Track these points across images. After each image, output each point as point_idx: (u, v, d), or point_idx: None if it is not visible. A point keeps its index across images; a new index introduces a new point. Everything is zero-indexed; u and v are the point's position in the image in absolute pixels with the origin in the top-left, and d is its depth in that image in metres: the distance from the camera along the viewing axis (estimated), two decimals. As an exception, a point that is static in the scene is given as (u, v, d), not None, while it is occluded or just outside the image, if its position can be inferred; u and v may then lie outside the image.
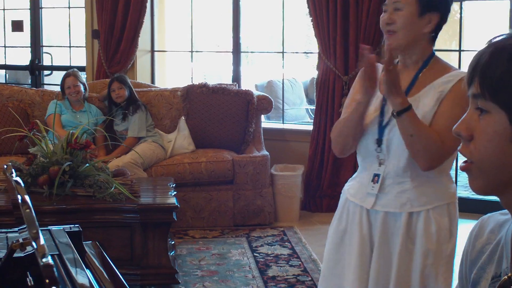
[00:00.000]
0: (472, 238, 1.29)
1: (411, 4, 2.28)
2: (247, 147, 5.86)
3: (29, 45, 7.91)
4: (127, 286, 1.80)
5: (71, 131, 4.34)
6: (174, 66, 7.74)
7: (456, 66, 5.89)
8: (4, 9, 8.26)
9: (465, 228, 2.16)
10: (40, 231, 1.33)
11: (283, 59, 6.94)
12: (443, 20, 2.31)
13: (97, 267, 1.82)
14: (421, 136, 2.21)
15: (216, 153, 5.67)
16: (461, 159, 1.16)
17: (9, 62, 8.51)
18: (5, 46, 8.39)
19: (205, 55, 10.29)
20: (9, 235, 2.04)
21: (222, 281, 4.36)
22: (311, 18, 5.94)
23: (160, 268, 4.01)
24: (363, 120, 2.35)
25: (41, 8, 7.79)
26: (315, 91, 6.15)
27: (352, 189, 2.46)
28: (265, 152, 5.76)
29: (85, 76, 7.04)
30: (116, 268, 1.92)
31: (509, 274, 1.10)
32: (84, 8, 7.03)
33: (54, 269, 1.17)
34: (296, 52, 10.19)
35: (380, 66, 2.32)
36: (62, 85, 5.88)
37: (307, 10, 5.98)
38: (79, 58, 7.55)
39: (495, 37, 1.13)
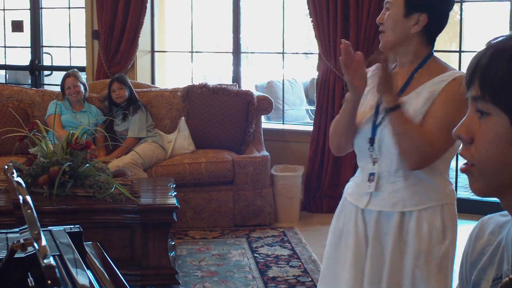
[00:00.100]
0: (472, 239, 1.29)
1: (399, 4, 2.29)
2: (247, 148, 5.86)
3: (29, 45, 7.91)
4: (127, 286, 1.80)
5: (71, 132, 4.34)
6: (174, 67, 7.74)
7: (456, 67, 5.90)
8: (4, 9, 8.26)
9: (465, 229, 2.16)
10: (42, 232, 1.33)
11: (283, 59, 6.94)
12: (434, 20, 2.28)
13: (98, 268, 1.82)
14: (407, 135, 2.21)
15: (216, 154, 5.67)
16: (461, 160, 1.16)
17: (9, 62, 8.51)
18: (5, 46, 8.39)
19: (205, 55, 10.29)
20: (9, 235, 2.04)
21: (222, 282, 4.36)
22: (311, 19, 5.95)
23: (160, 268, 4.01)
24: (353, 119, 2.36)
25: (41, 8, 7.79)
26: (315, 92, 6.15)
27: (350, 188, 2.48)
28: (265, 153, 5.76)
29: (85, 76, 7.04)
30: (116, 268, 1.92)
31: (510, 276, 1.10)
32: (84, 9, 7.03)
33: (56, 270, 1.17)
34: (296, 53, 10.19)
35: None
36: (62, 85, 5.88)
37: (308, 11, 5.98)
38: (79, 58, 7.56)
39: (494, 39, 1.12)
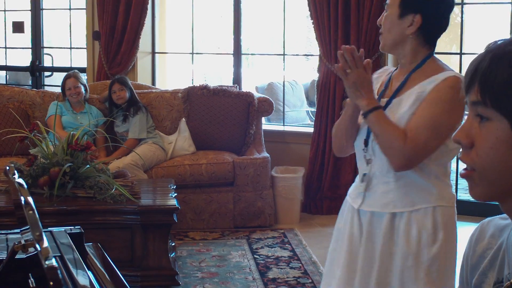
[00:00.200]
0: (472, 242, 1.29)
1: (394, 5, 2.31)
2: (247, 149, 5.87)
3: (30, 46, 7.91)
4: (128, 287, 1.80)
5: (71, 132, 4.34)
6: (175, 68, 7.74)
7: (457, 69, 5.90)
8: (5, 10, 8.26)
9: (465, 231, 2.16)
10: (44, 233, 1.33)
11: (284, 61, 6.94)
12: (428, 21, 2.28)
13: (99, 269, 1.82)
14: (385, 136, 2.23)
15: (217, 155, 5.67)
16: (461, 163, 1.16)
17: (10, 63, 8.51)
18: (5, 47, 8.39)
19: (205, 57, 10.29)
20: (9, 236, 2.04)
21: (222, 283, 4.36)
22: (312, 21, 5.95)
23: (161, 269, 4.01)
24: (354, 122, 2.38)
25: (42, 9, 7.79)
26: (316, 94, 6.15)
27: (351, 189, 2.50)
28: (265, 154, 5.77)
29: (86, 77, 7.04)
30: (117, 269, 1.92)
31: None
32: (85, 10, 7.04)
33: (58, 271, 1.17)
34: (297, 55, 10.20)
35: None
36: (63, 86, 5.88)
37: (308, 12, 5.99)
38: (80, 59, 7.56)
39: (493, 43, 1.11)
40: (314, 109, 6.98)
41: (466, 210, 4.92)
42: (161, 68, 7.25)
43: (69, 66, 7.49)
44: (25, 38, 8.10)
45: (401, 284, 2.29)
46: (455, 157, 2.40)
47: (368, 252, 2.35)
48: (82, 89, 5.87)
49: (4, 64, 8.52)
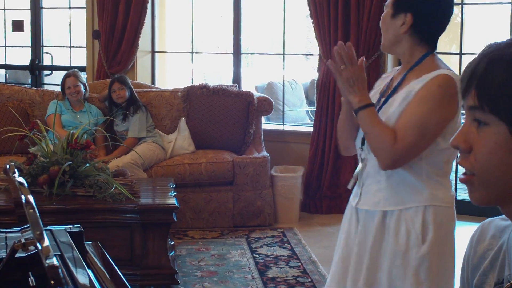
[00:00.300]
0: (473, 243, 1.28)
1: (389, 5, 2.35)
2: (247, 148, 5.87)
3: (30, 45, 7.91)
4: (128, 286, 1.80)
5: (71, 131, 4.34)
6: (175, 67, 7.74)
7: (457, 69, 5.90)
8: (4, 9, 8.26)
9: (465, 231, 2.16)
10: (44, 232, 1.33)
11: (284, 60, 6.94)
12: (419, 20, 2.28)
13: (99, 267, 1.82)
14: (373, 134, 2.24)
15: (216, 154, 5.67)
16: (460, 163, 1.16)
17: (10, 62, 8.50)
18: (5, 46, 8.39)
19: (205, 56, 10.29)
20: (8, 235, 2.04)
21: (222, 282, 4.36)
22: (312, 20, 5.95)
23: (160, 268, 4.01)
24: (350, 119, 2.39)
25: (42, 8, 7.79)
26: (316, 93, 6.15)
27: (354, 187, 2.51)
28: (265, 153, 5.77)
29: (86, 76, 7.04)
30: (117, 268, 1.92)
31: (512, 281, 1.10)
32: (84, 9, 7.03)
33: (59, 270, 1.18)
34: (296, 54, 10.20)
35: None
36: (63, 85, 5.88)
37: (308, 12, 5.99)
38: (80, 58, 7.56)
39: (488, 47, 1.10)
40: (313, 109, 6.98)
41: (466, 210, 4.91)
42: (161, 67, 7.25)
43: (69, 65, 7.48)
44: (25, 36, 8.10)
45: (389, 283, 2.29)
46: (454, 158, 2.39)
47: (360, 249, 2.36)
48: (82, 88, 5.87)
49: (4, 63, 8.52)
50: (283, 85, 7.58)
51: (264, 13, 10.86)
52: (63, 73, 6.07)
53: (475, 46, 7.58)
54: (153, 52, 7.08)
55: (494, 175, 1.09)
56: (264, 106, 5.96)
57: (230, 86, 6.16)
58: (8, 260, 1.54)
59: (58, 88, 6.20)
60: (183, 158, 5.66)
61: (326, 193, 5.97)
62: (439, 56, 2.39)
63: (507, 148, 1.06)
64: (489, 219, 1.29)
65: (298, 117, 8.93)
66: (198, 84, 6.08)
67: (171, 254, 4.21)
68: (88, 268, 1.75)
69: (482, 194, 1.12)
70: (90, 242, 2.09)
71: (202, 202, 5.53)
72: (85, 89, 5.93)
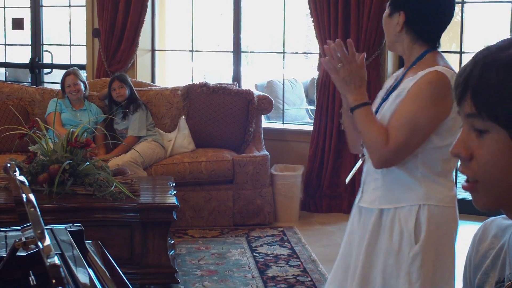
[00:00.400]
0: (475, 242, 1.28)
1: (387, 5, 2.38)
2: (247, 147, 5.86)
3: (30, 43, 7.91)
4: (129, 285, 1.80)
5: (71, 130, 4.34)
6: (175, 66, 7.74)
7: (456, 68, 5.89)
8: (4, 7, 8.25)
9: (467, 230, 2.16)
10: (45, 231, 1.33)
11: (284, 59, 6.94)
12: (411, 18, 2.28)
13: (99, 266, 1.82)
14: (366, 133, 2.25)
15: (216, 153, 5.67)
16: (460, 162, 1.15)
17: (9, 60, 8.50)
18: (5, 44, 8.38)
19: (205, 54, 10.28)
20: (8, 233, 2.04)
21: (222, 281, 4.35)
22: (312, 19, 5.95)
23: (160, 267, 4.01)
24: (350, 115, 2.38)
25: (42, 6, 7.78)
26: (316, 92, 6.15)
27: None
28: (265, 152, 5.76)
29: (85, 74, 7.04)
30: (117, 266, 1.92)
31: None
32: (84, 7, 7.03)
33: (61, 269, 1.17)
34: (296, 53, 10.19)
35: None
36: (62, 83, 5.88)
37: (308, 11, 5.99)
38: (80, 56, 7.55)
39: (480, 52, 1.08)
40: (313, 107, 6.98)
41: (468, 209, 4.91)
42: (161, 65, 7.25)
43: (69, 63, 7.48)
44: (25, 35, 8.09)
45: (383, 281, 2.29)
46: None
47: (359, 246, 2.38)
48: (82, 87, 5.86)
49: (4, 61, 8.51)
50: (283, 84, 7.58)
51: (264, 12, 10.85)
52: (63, 71, 6.07)
53: (475, 45, 7.57)
54: (153, 50, 7.08)
55: (498, 180, 1.08)
56: (264, 104, 5.96)
57: (230, 84, 6.15)
58: (8, 259, 1.54)
59: (58, 87, 6.19)
60: (183, 157, 5.65)
61: (326, 192, 5.96)
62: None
63: (509, 153, 1.05)
64: (491, 218, 1.29)
65: (298, 116, 8.93)
66: (198, 83, 6.08)
67: (171, 253, 4.21)
68: (89, 267, 1.74)
69: (486, 200, 1.11)
70: (91, 241, 2.08)
71: (202, 200, 5.53)
72: (85, 87, 5.93)
